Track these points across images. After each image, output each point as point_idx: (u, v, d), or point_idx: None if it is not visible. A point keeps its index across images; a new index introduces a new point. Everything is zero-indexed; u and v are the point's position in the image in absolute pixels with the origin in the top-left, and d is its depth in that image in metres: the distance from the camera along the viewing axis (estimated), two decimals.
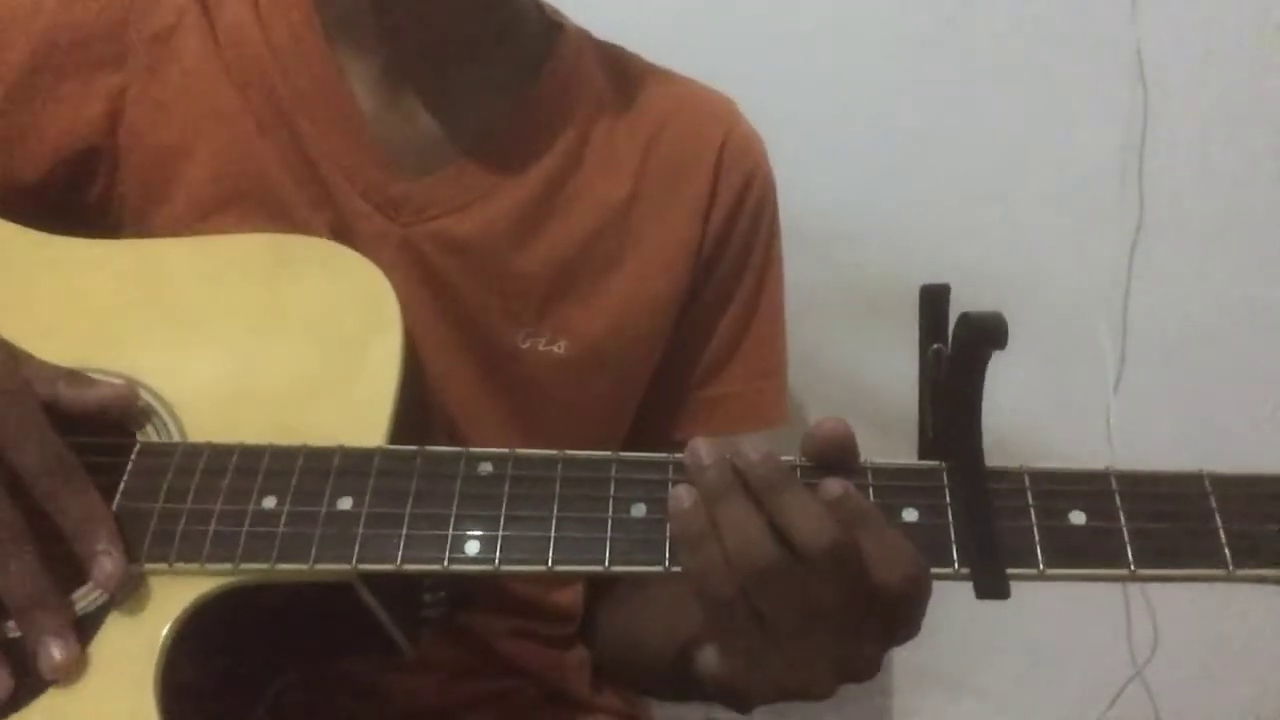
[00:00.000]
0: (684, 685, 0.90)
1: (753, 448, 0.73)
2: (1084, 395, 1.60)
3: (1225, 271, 1.59)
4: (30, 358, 0.84)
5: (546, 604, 1.13)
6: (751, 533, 0.71)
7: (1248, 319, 1.59)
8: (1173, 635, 1.62)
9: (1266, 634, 1.64)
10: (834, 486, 0.72)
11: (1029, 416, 1.55)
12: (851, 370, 1.56)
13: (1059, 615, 1.63)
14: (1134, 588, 1.61)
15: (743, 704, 0.84)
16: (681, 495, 0.73)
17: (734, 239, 1.14)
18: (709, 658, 0.80)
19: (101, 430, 0.84)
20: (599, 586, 1.19)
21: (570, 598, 1.16)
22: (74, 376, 0.84)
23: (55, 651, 0.76)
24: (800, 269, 1.30)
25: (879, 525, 0.73)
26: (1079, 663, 1.66)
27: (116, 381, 0.86)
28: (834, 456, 0.77)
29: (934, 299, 0.77)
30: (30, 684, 0.76)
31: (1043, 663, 1.68)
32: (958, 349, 0.74)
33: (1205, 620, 1.63)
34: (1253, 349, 1.60)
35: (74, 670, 0.76)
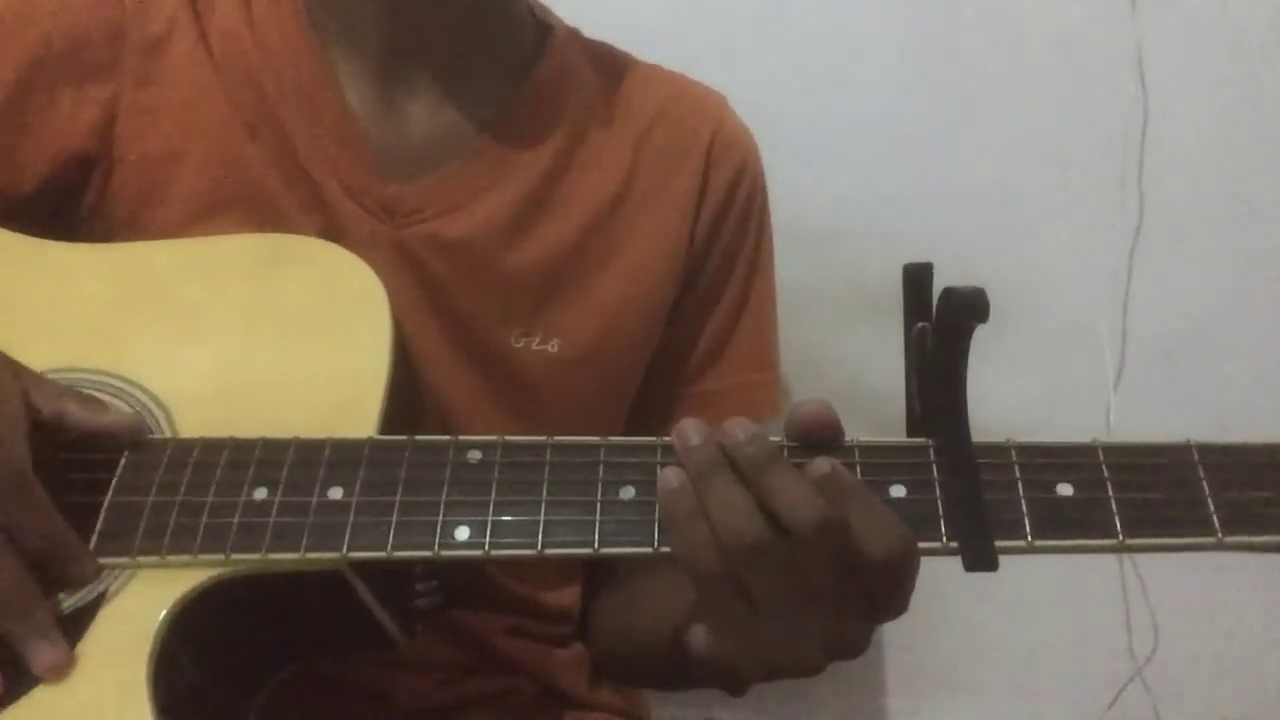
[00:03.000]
0: (677, 669, 0.90)
1: (740, 428, 0.74)
2: (1084, 395, 1.60)
3: (1225, 271, 1.59)
4: (40, 377, 0.85)
5: (543, 603, 1.13)
6: (739, 510, 0.72)
7: (1248, 319, 1.59)
8: (1173, 635, 1.62)
9: (1266, 634, 1.64)
10: (822, 464, 0.72)
11: (1029, 416, 1.55)
12: (849, 368, 1.56)
13: (1059, 615, 1.63)
14: (1134, 586, 1.61)
15: (734, 683, 0.84)
16: (669, 476, 0.74)
17: (724, 234, 1.14)
18: (699, 637, 0.80)
19: None
20: (595, 583, 1.19)
21: (567, 598, 1.16)
22: (87, 400, 0.85)
23: (42, 652, 0.76)
24: (798, 267, 1.30)
25: (867, 500, 0.73)
26: (1079, 663, 1.66)
27: (129, 411, 0.87)
28: (818, 436, 0.77)
29: (917, 278, 0.77)
30: (24, 680, 0.76)
31: (1043, 663, 1.67)
32: (941, 324, 0.75)
33: (1205, 620, 1.63)
34: (1253, 348, 1.59)
35: (66, 667, 0.76)
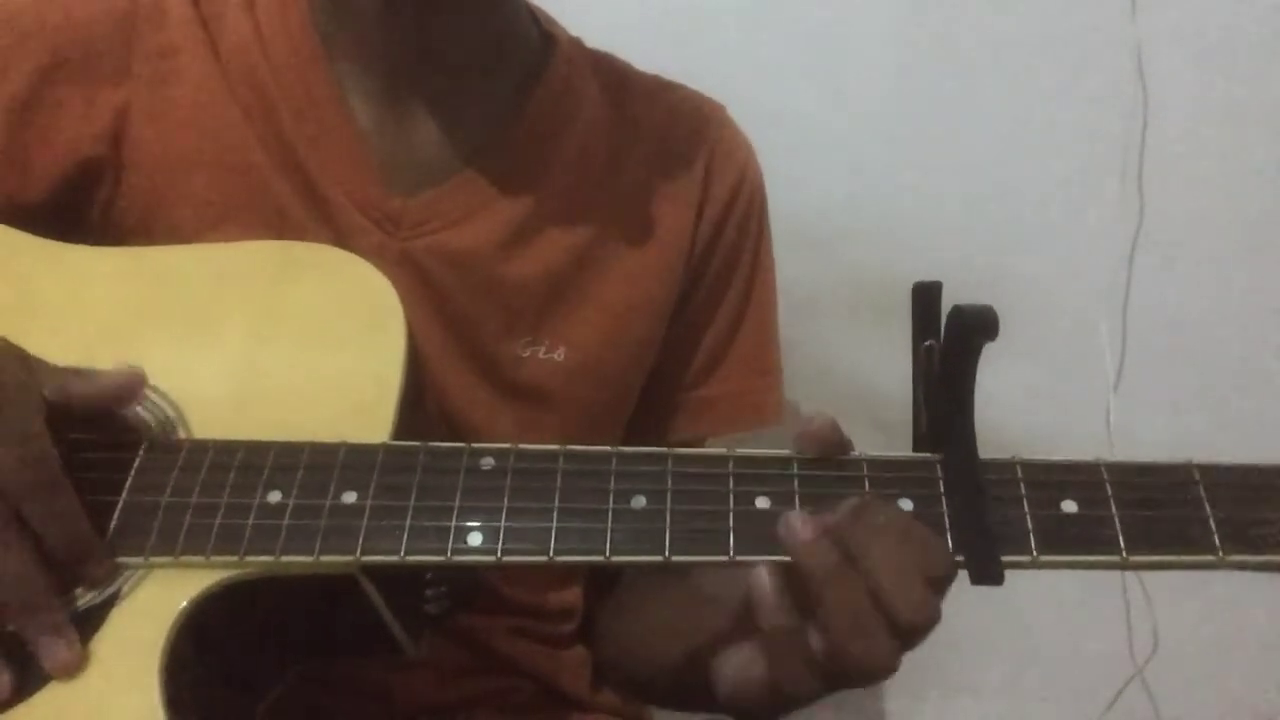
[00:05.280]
0: (688, 691, 0.91)
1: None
2: (1084, 395, 1.61)
3: (1225, 271, 1.60)
4: (40, 361, 0.84)
5: (545, 604, 1.14)
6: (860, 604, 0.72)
7: (1248, 319, 1.60)
8: (1173, 635, 1.63)
9: (1266, 634, 1.65)
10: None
11: (1029, 417, 1.55)
12: (851, 370, 1.57)
13: (1059, 615, 1.64)
14: (1134, 588, 1.62)
15: (755, 716, 0.85)
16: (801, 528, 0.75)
17: (723, 242, 1.15)
18: (736, 671, 0.80)
19: (109, 429, 0.85)
20: (601, 589, 1.19)
21: (570, 598, 1.16)
22: (81, 371, 0.84)
23: (55, 650, 0.76)
24: (800, 269, 1.30)
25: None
26: (1079, 663, 1.67)
27: (122, 367, 0.86)
28: (826, 453, 0.78)
29: (926, 295, 0.78)
30: (34, 677, 0.76)
31: (1043, 663, 1.68)
32: (949, 341, 0.75)
33: (1205, 620, 1.63)
34: (1253, 349, 1.60)
35: (78, 666, 0.77)
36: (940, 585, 0.74)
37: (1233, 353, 1.60)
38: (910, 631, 0.71)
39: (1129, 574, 1.61)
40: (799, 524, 0.74)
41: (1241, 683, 1.67)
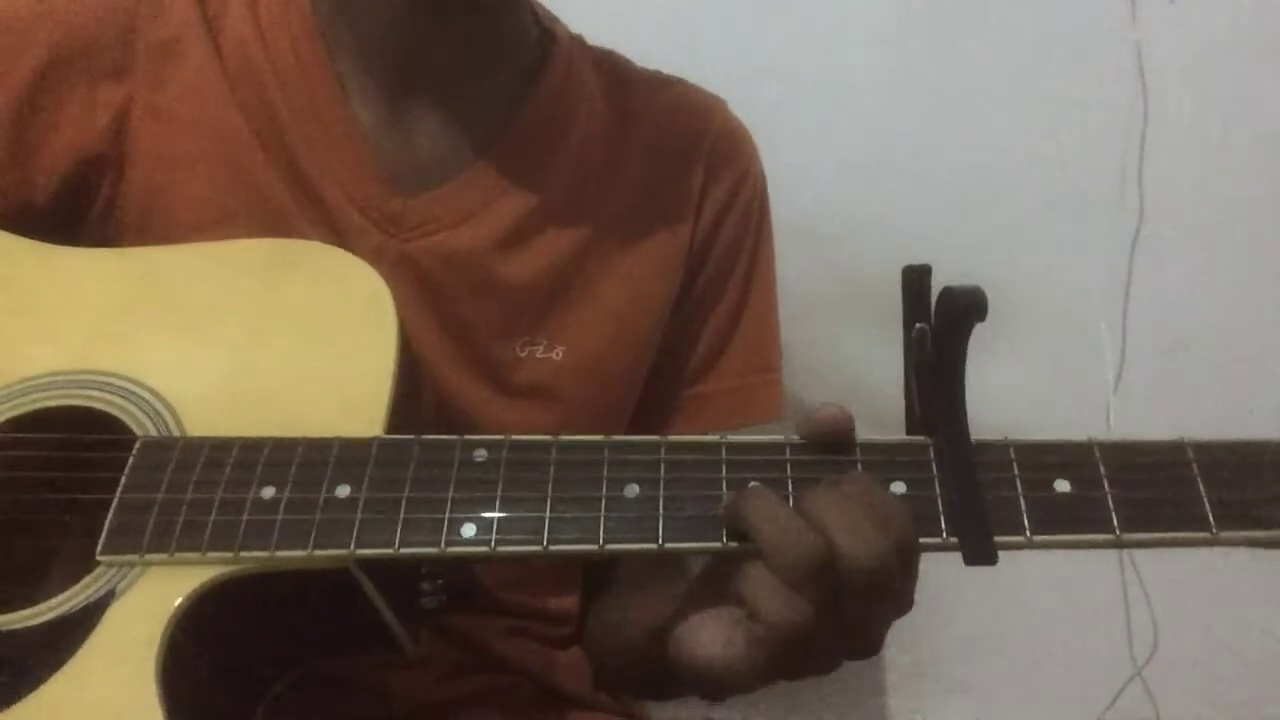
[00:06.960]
0: (653, 670, 0.88)
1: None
2: (1084, 395, 1.61)
3: (1225, 271, 1.60)
4: None
5: (545, 608, 1.14)
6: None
7: (1247, 319, 1.60)
8: (1173, 635, 1.62)
9: (1267, 633, 1.65)
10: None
11: (1029, 416, 1.55)
12: (849, 369, 1.57)
13: (1059, 615, 1.64)
14: (1134, 588, 1.61)
15: (720, 693, 0.84)
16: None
17: (723, 236, 1.15)
18: (709, 647, 0.79)
19: (104, 427, 0.86)
20: (597, 589, 1.19)
21: (568, 604, 1.16)
22: None
23: None
24: (800, 268, 1.31)
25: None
26: (1079, 663, 1.66)
27: None
28: (830, 440, 0.78)
29: (916, 280, 0.78)
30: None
31: (1043, 663, 1.68)
32: (940, 323, 0.75)
33: (1205, 620, 1.63)
34: (1252, 348, 1.60)
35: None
36: (894, 540, 0.72)
37: (1233, 352, 1.60)
38: (856, 573, 0.70)
39: (1129, 574, 1.61)
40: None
41: (1241, 683, 1.67)
